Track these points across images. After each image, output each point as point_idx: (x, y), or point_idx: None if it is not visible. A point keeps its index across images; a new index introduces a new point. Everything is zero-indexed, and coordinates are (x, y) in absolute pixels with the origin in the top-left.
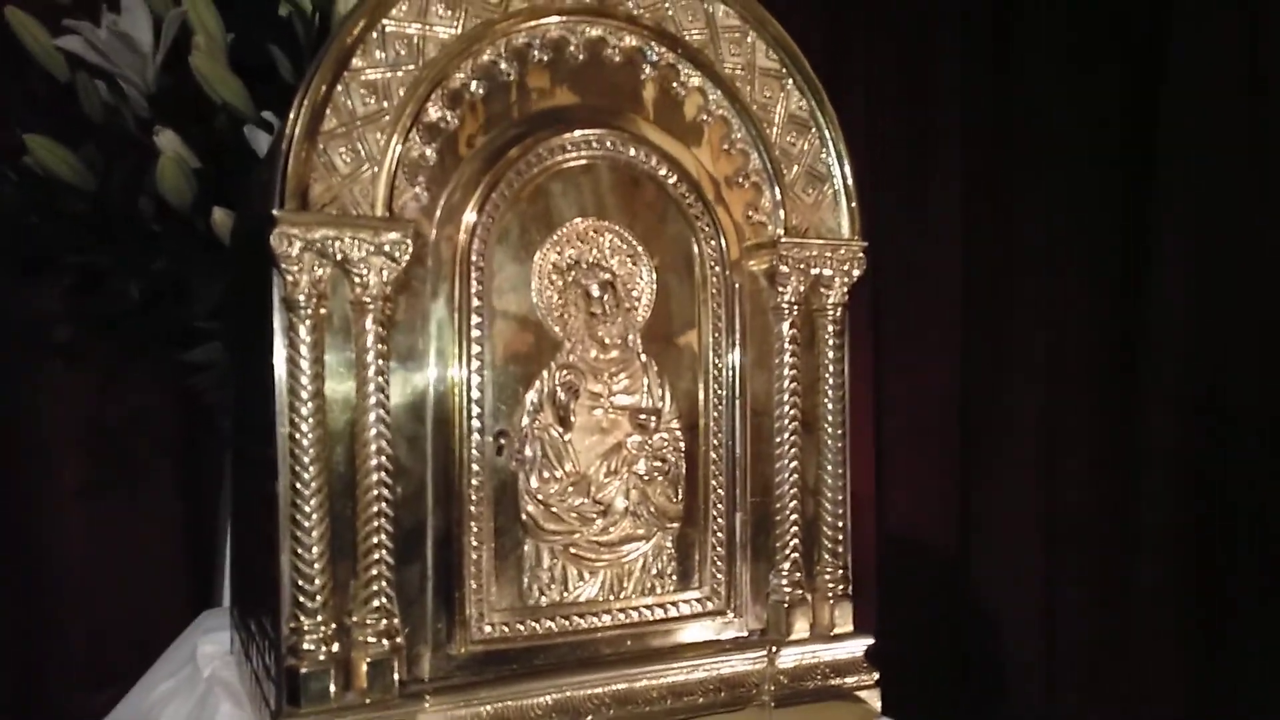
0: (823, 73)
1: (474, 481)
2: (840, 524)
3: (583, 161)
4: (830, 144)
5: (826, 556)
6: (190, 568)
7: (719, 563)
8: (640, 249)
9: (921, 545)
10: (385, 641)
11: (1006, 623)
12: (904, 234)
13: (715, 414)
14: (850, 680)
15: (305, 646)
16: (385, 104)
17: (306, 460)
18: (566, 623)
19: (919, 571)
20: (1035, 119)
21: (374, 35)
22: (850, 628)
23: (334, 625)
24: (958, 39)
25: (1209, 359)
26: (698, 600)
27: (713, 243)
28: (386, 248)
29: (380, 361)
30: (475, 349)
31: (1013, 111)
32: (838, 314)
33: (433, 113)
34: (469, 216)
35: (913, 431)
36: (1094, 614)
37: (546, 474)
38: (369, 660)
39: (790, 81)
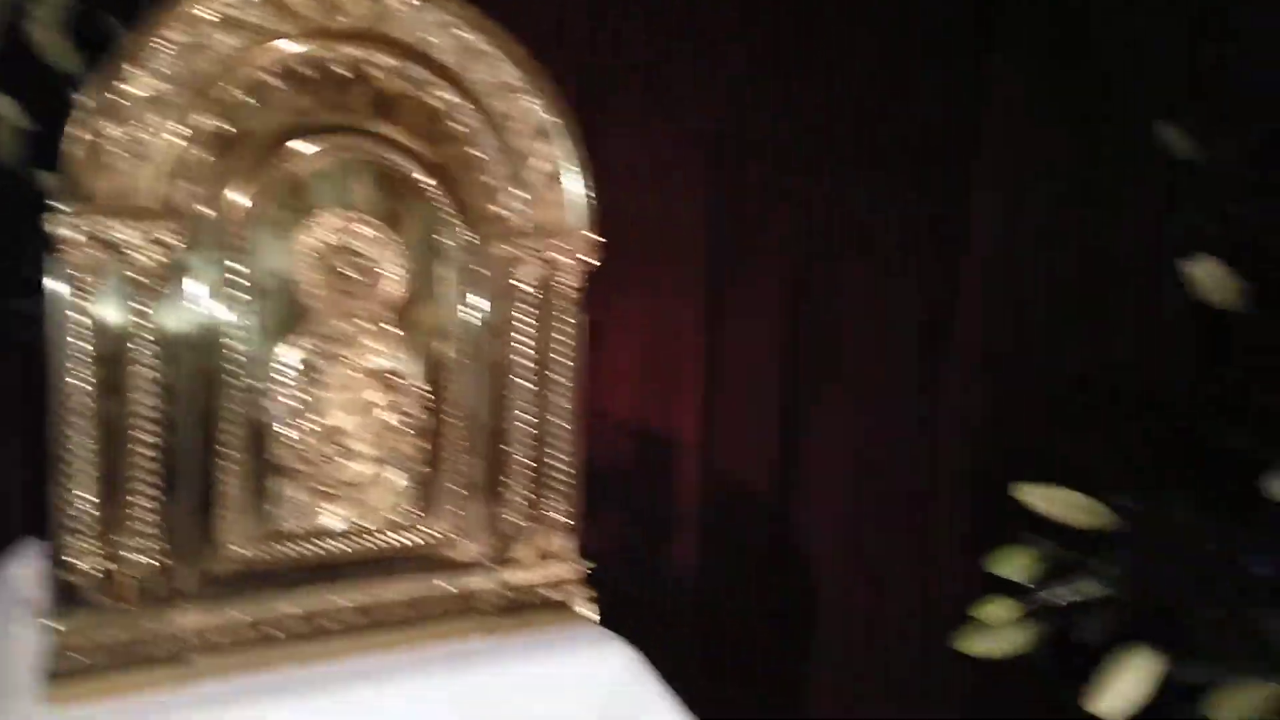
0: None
1: (233, 429)
2: (567, 468)
3: (343, 160)
4: (568, 148)
5: (554, 496)
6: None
7: (457, 500)
8: (391, 236)
9: (745, 488)
10: (149, 559)
11: (822, 558)
12: (745, 193)
13: (457, 376)
14: (566, 594)
15: (76, 562)
16: (163, 107)
17: (80, 409)
18: (314, 548)
19: (742, 512)
20: (864, 89)
21: (156, 45)
22: (573, 554)
23: (103, 544)
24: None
25: (1005, 328)
26: (438, 531)
27: (458, 231)
28: (159, 236)
29: (149, 325)
30: (239, 319)
31: (849, 88)
32: (573, 295)
33: (206, 118)
34: (238, 203)
35: (742, 379)
36: (897, 551)
37: (301, 423)
38: (134, 575)
39: (531, 95)
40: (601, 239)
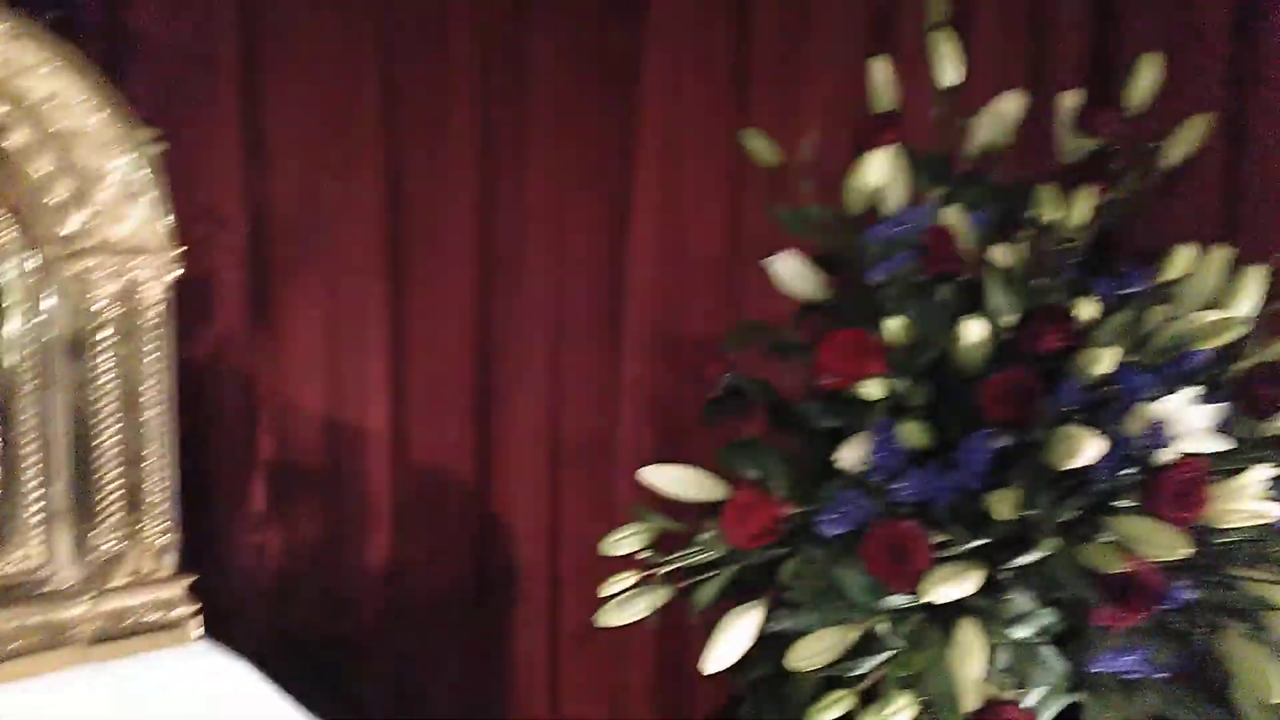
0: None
1: None
2: (163, 487)
3: None
4: (141, 169)
5: (148, 516)
6: None
7: (39, 528)
8: None
9: (443, 475)
10: None
11: (521, 537)
12: (422, 184)
13: (28, 400)
14: (167, 615)
15: None
16: None
17: None
18: None
19: (440, 499)
20: (547, 79)
21: None
22: (169, 573)
23: None
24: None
25: (668, 309)
26: (20, 559)
27: (28, 254)
28: None
29: None
30: None
31: (526, 71)
32: (156, 310)
33: None
34: None
35: (434, 369)
36: (596, 528)
37: None
38: None
39: (101, 116)
40: (183, 247)
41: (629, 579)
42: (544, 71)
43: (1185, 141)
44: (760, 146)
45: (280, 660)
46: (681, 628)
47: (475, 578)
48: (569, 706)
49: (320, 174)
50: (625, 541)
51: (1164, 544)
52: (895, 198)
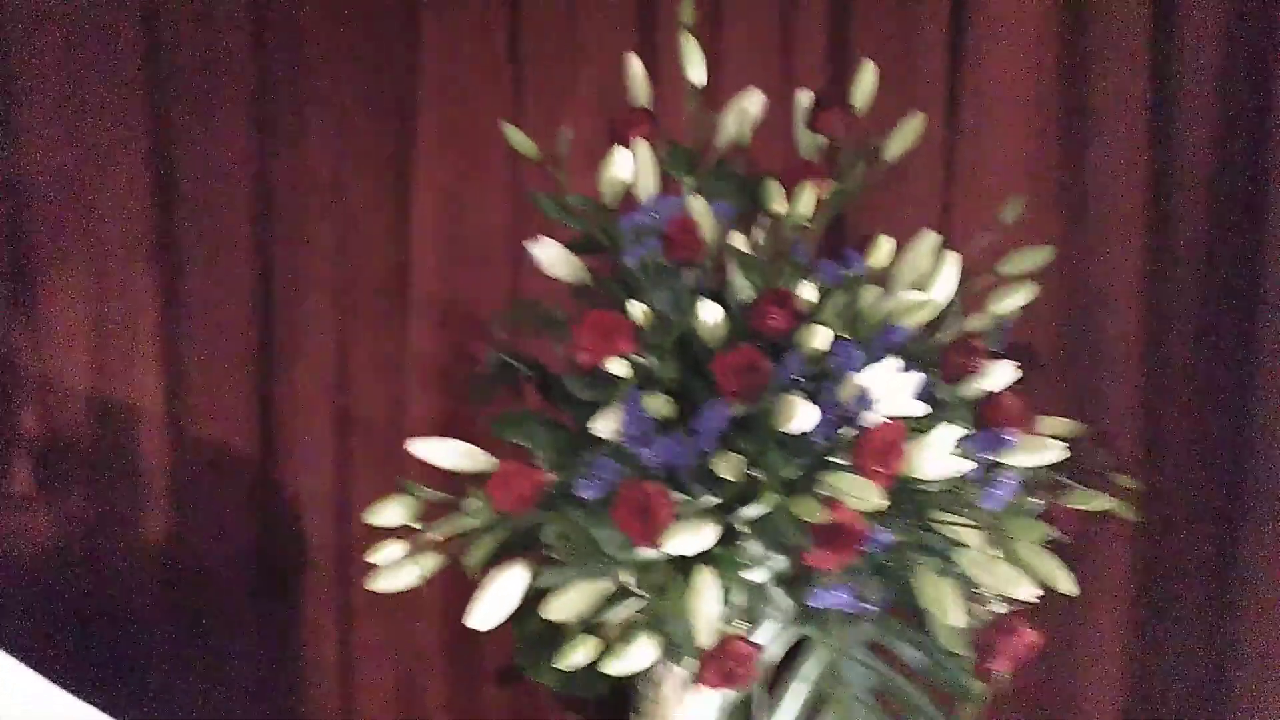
0: None
1: None
2: None
3: None
4: None
5: None
6: None
7: None
8: None
9: (223, 451)
10: None
11: (307, 508)
12: (195, 159)
13: None
14: None
15: None
16: None
17: None
18: None
19: (221, 475)
20: (326, 50)
21: None
22: None
23: None
24: None
25: (452, 285)
26: None
27: None
28: None
29: None
30: None
31: (303, 42)
32: None
33: None
34: None
35: (212, 345)
36: (377, 495)
37: None
38: None
39: None
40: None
41: (395, 546)
42: (322, 43)
43: (903, 137)
44: (518, 139)
45: (54, 642)
46: (470, 592)
47: (261, 552)
48: (361, 672)
49: (78, 152)
50: (390, 512)
51: (864, 495)
52: (647, 188)
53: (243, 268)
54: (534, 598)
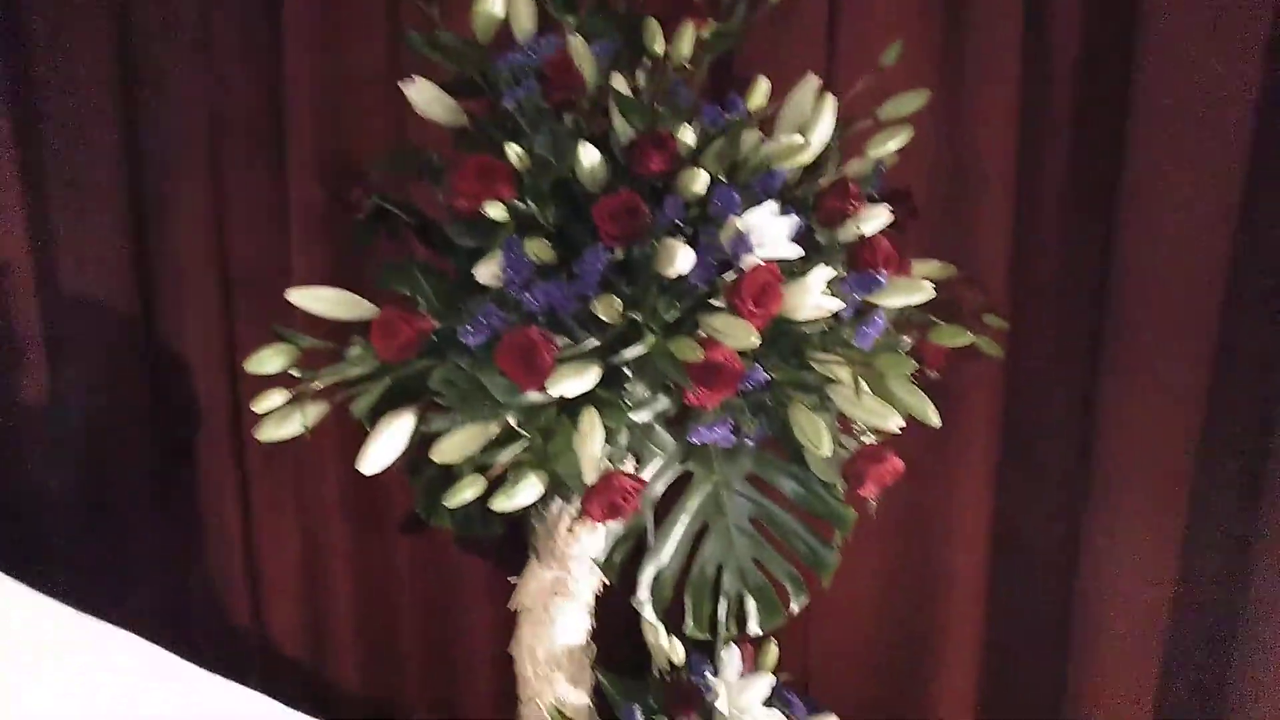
0: None
1: None
2: None
3: None
4: None
5: None
6: None
7: None
8: None
9: (98, 304)
10: None
11: (196, 367)
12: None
13: None
14: None
15: None
16: None
17: None
18: None
19: (100, 331)
20: None
21: None
22: None
23: None
24: None
25: (331, 131)
26: None
27: None
28: None
29: None
30: None
31: None
32: None
33: None
34: None
35: (79, 198)
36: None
37: None
38: None
39: None
40: None
41: (278, 395)
42: None
43: None
44: None
45: None
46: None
47: (150, 408)
48: (261, 523)
49: None
50: (269, 360)
51: (739, 336)
52: (524, 26)
53: (109, 125)
54: (428, 447)
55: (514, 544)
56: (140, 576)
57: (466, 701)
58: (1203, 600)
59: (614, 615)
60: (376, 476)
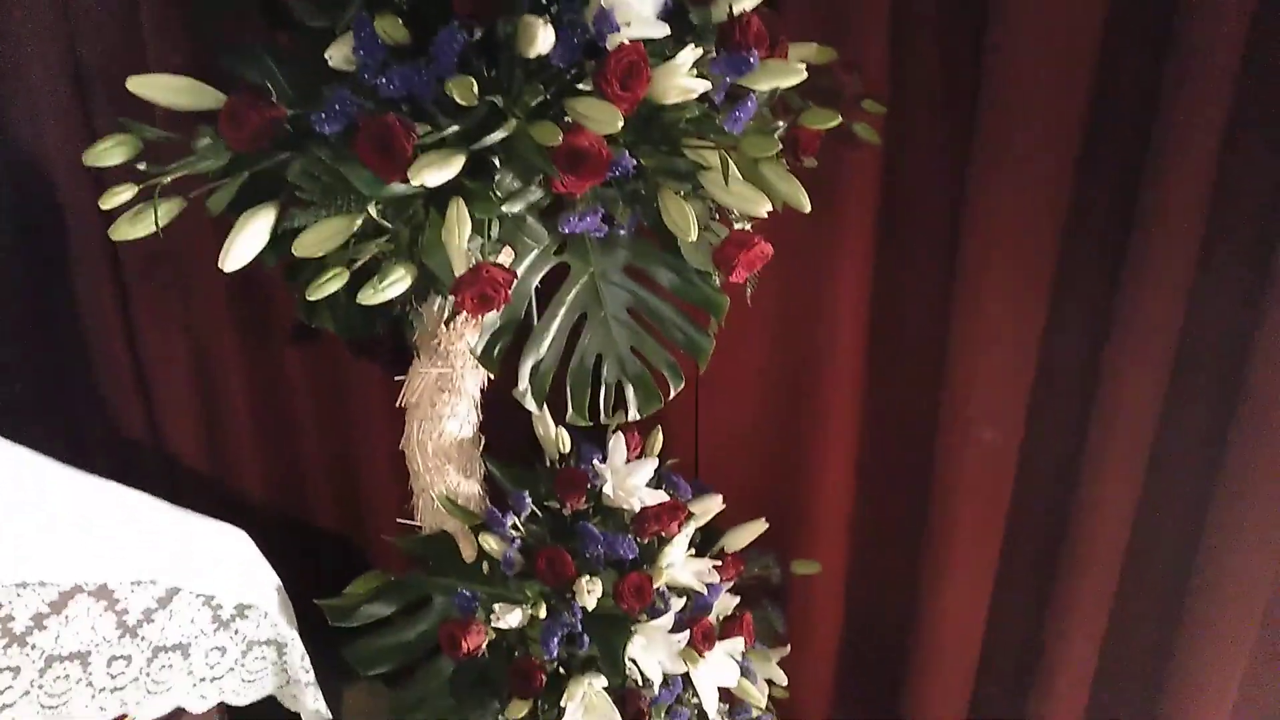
0: None
1: None
2: None
3: None
4: None
5: None
6: None
7: None
8: None
9: None
10: None
11: (57, 177)
12: None
13: None
14: None
15: None
16: None
17: None
18: None
19: None
20: None
21: None
22: None
23: None
24: None
25: None
26: None
27: None
28: None
29: None
30: None
31: None
32: None
33: None
34: None
35: None
36: None
37: None
38: None
39: None
40: None
41: (126, 190)
42: None
43: None
44: None
45: None
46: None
47: (14, 228)
48: (147, 337)
49: None
50: (110, 153)
51: (605, 119)
52: None
53: None
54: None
55: (403, 346)
56: (25, 404)
57: (371, 500)
58: (1061, 378)
59: (507, 410)
60: (263, 286)
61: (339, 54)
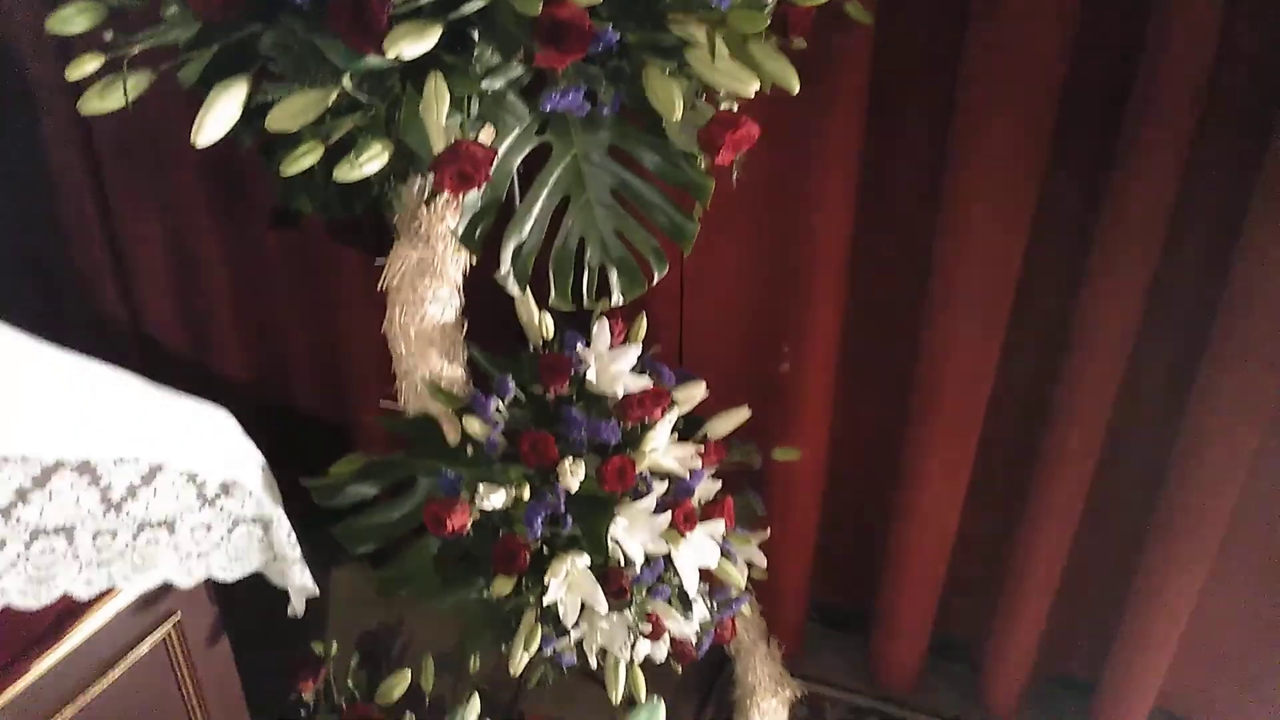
0: None
1: None
2: None
3: None
4: None
5: None
6: None
7: None
8: None
9: None
10: None
11: (27, 56)
12: None
13: None
14: None
15: None
16: None
17: None
18: None
19: None
20: None
21: None
22: None
23: None
24: None
25: None
26: None
27: None
28: None
29: None
30: None
31: None
32: None
33: None
34: None
35: None
36: None
37: None
38: None
39: None
40: None
41: (92, 60)
42: None
43: None
44: None
45: None
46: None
47: None
48: (123, 216)
49: None
50: (73, 19)
51: None
52: None
53: None
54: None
55: (384, 229)
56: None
57: (353, 383)
58: (1044, 281)
59: (490, 295)
60: (240, 164)
61: None
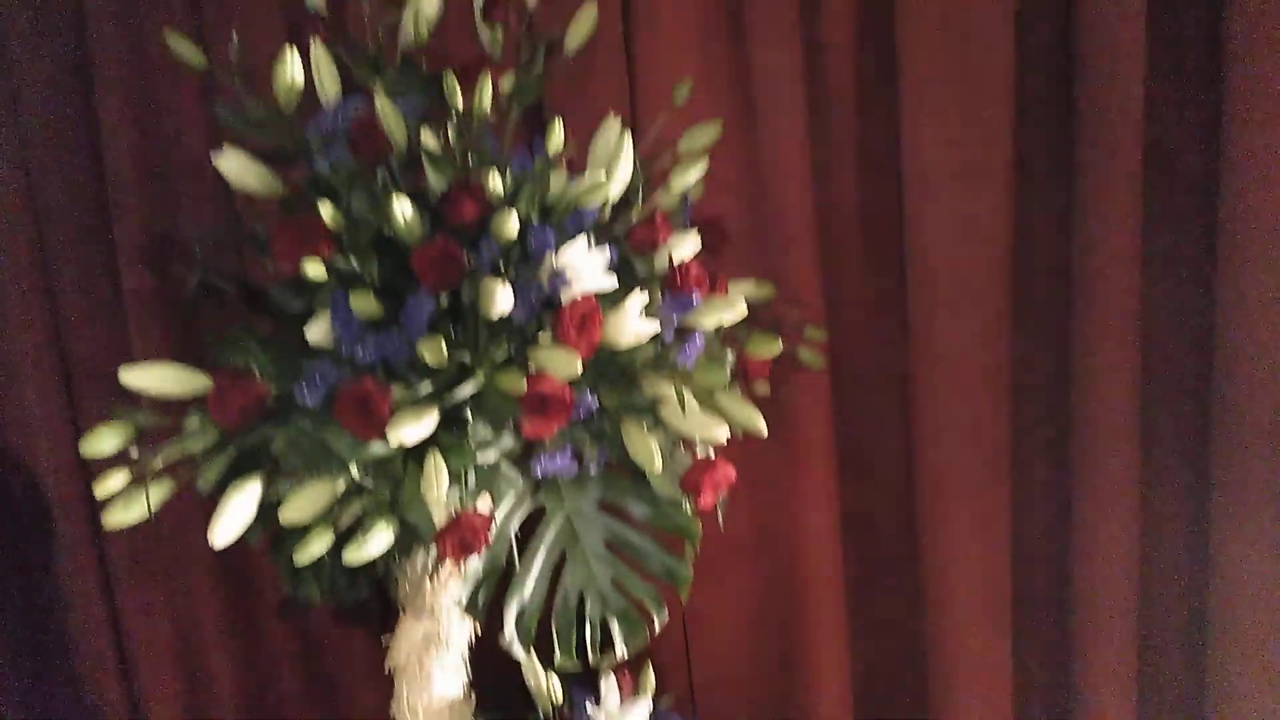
0: None
1: None
2: None
3: None
4: None
5: None
6: None
7: None
8: None
9: None
10: None
11: (45, 470)
12: None
13: None
14: None
15: None
16: None
17: None
18: None
19: None
20: None
21: None
22: None
23: None
24: None
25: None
26: None
27: None
28: None
29: None
30: None
31: None
32: None
33: None
34: None
35: None
36: None
37: None
38: None
39: None
40: None
41: (119, 477)
42: None
43: (580, 28)
44: (185, 49)
45: None
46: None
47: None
48: (131, 625)
49: None
50: (104, 440)
51: (563, 365)
52: (328, 90)
53: None
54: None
55: (391, 609)
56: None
57: None
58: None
59: (497, 664)
60: (248, 563)
61: (317, 330)
